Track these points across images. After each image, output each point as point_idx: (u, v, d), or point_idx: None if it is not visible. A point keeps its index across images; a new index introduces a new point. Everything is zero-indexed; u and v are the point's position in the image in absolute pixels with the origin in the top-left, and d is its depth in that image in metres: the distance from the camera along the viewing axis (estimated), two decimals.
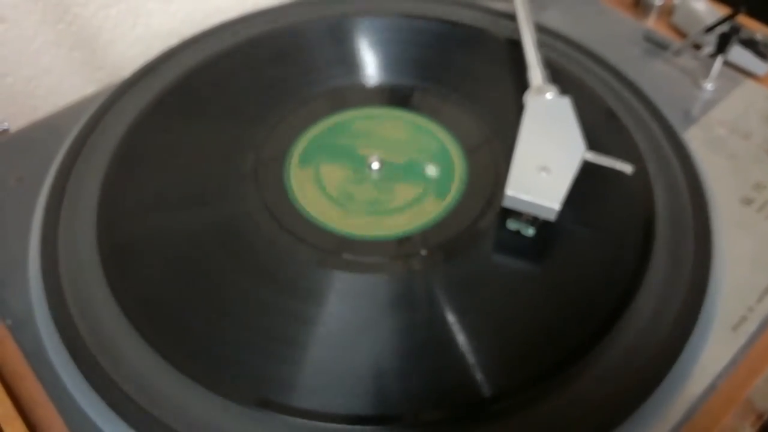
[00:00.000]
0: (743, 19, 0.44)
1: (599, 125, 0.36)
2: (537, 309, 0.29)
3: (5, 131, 0.40)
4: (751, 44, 0.41)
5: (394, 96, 0.41)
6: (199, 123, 0.38)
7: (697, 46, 0.43)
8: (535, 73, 0.36)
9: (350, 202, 0.35)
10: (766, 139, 0.37)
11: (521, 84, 0.37)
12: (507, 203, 0.31)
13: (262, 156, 0.37)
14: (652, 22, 0.47)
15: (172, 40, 0.44)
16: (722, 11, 0.43)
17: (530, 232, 0.32)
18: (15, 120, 0.42)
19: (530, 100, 0.35)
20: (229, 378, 0.26)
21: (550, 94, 0.35)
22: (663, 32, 0.46)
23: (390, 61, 0.42)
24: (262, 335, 0.28)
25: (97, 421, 0.26)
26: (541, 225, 0.31)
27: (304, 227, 0.33)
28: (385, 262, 0.31)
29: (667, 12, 0.47)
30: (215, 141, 0.37)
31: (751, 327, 0.29)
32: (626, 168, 0.31)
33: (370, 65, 0.42)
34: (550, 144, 0.32)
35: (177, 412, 0.26)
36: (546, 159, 0.31)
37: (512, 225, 0.32)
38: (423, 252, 0.31)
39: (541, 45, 0.39)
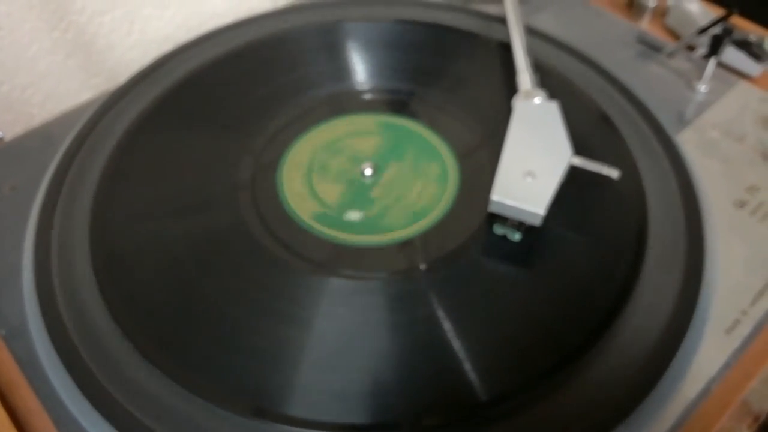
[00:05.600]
0: (737, 20, 0.44)
1: (592, 128, 0.36)
2: (531, 314, 0.29)
3: (0, 140, 0.40)
4: (744, 45, 0.41)
5: (387, 101, 0.41)
6: (193, 130, 0.38)
7: (691, 48, 0.43)
8: (524, 77, 0.36)
9: (344, 208, 0.35)
10: (759, 142, 0.37)
11: (512, 88, 0.37)
12: (493, 208, 0.31)
13: (257, 163, 0.37)
14: (645, 24, 0.47)
15: (167, 46, 0.44)
16: (716, 12, 0.43)
17: (516, 237, 0.32)
18: (11, 128, 0.42)
19: (518, 104, 0.35)
20: (225, 387, 0.26)
21: (538, 99, 0.35)
22: (656, 34, 0.46)
23: (383, 66, 0.42)
24: (257, 344, 0.28)
25: (90, 431, 0.26)
26: (537, 230, 0.31)
27: (298, 235, 0.33)
28: (379, 269, 0.31)
29: (660, 14, 0.47)
30: (209, 148, 0.37)
31: (744, 330, 0.29)
32: (613, 173, 0.31)
33: (363, 71, 0.42)
34: (537, 149, 0.32)
35: (171, 421, 0.26)
36: (532, 164, 0.31)
37: (498, 230, 0.32)
38: (422, 266, 0.31)
39: (533, 48, 0.39)
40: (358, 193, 0.35)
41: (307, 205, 0.35)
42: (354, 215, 0.34)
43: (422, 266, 0.31)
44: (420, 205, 0.35)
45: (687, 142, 0.37)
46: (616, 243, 0.31)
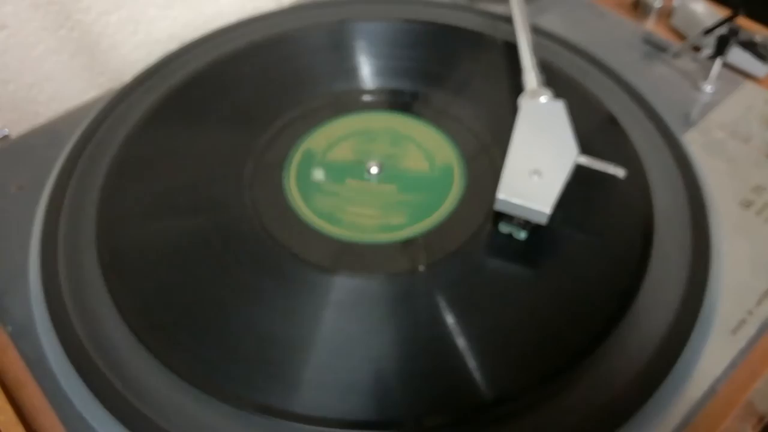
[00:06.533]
0: (742, 21, 0.44)
1: (598, 128, 0.36)
2: (536, 313, 0.29)
3: (6, 137, 0.40)
4: (750, 46, 0.41)
5: (393, 101, 0.41)
6: (199, 129, 0.38)
7: (697, 48, 0.43)
8: (530, 76, 0.36)
9: (349, 206, 0.35)
10: (765, 142, 0.37)
11: (518, 87, 0.37)
12: (499, 207, 0.31)
13: (262, 161, 0.37)
14: (651, 25, 0.47)
15: (172, 45, 0.44)
16: (721, 13, 0.43)
17: (522, 235, 0.32)
18: (16, 126, 0.42)
19: (524, 103, 0.35)
20: (231, 384, 0.27)
21: (545, 98, 0.35)
22: (662, 34, 0.46)
23: (388, 65, 0.42)
24: (262, 341, 0.28)
25: (98, 428, 0.26)
26: (543, 228, 0.31)
27: (303, 232, 0.33)
28: (384, 267, 0.31)
29: (666, 14, 0.47)
30: (215, 146, 0.37)
31: (750, 330, 0.29)
32: (619, 172, 0.31)
33: (369, 70, 0.42)
34: (543, 148, 0.32)
35: (178, 419, 0.26)
36: (538, 163, 0.31)
37: (504, 228, 0.32)
38: (427, 265, 0.31)
39: (539, 48, 0.39)
40: (363, 191, 0.36)
41: (311, 204, 0.35)
42: (359, 214, 0.34)
43: (427, 265, 0.31)
44: (425, 204, 0.35)
45: (693, 142, 0.37)
46: (622, 242, 0.31)
